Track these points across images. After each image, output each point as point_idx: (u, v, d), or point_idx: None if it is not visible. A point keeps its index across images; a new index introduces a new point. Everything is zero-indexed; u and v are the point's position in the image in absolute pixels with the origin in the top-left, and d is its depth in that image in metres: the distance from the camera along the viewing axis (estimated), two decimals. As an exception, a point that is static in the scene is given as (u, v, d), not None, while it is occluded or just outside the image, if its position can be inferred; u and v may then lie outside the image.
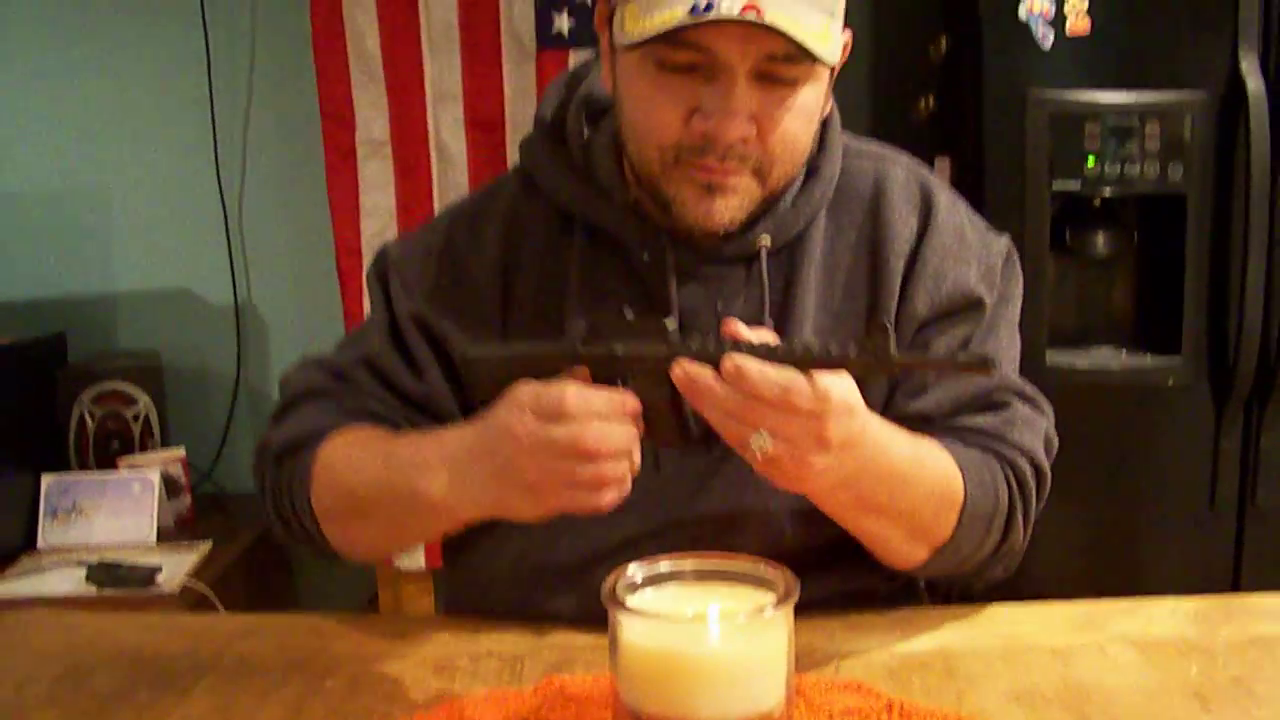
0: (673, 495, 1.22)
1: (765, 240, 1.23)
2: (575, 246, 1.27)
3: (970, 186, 2.24)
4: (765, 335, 0.98)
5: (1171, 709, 0.92)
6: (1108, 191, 2.19)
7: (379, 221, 2.89)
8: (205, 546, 2.67)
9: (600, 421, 0.96)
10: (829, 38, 1.08)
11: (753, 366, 0.93)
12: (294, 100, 3.04)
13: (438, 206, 2.88)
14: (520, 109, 2.83)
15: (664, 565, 0.84)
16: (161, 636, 1.22)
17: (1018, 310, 1.33)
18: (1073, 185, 2.19)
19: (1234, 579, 2.31)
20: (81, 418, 2.90)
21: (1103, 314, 2.36)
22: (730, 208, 1.15)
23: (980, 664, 1.09)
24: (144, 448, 2.92)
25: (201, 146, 3.11)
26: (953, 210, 1.30)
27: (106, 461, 2.87)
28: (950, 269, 1.27)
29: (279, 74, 3.10)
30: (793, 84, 1.11)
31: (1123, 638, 1.14)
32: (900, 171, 1.31)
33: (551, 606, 1.24)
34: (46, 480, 2.74)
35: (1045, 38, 2.16)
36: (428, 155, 2.86)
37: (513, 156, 2.87)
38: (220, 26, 3.07)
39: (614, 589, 0.79)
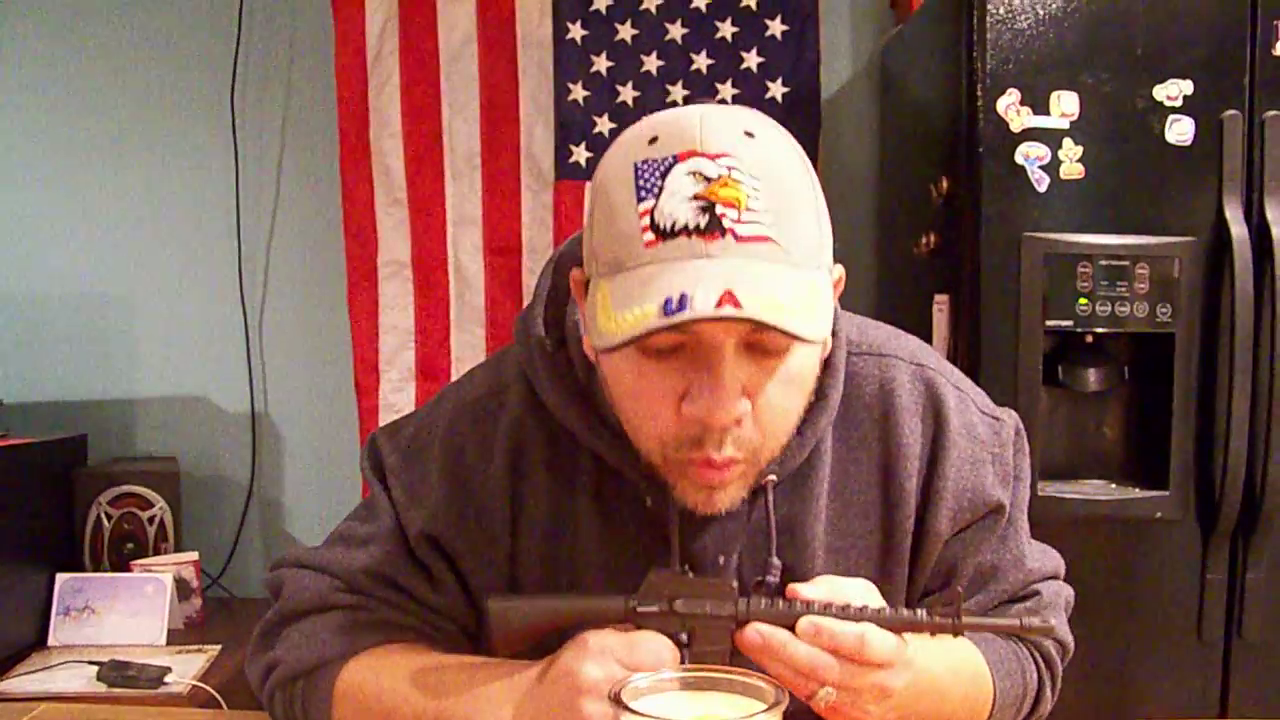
0: None
1: (771, 479, 1.18)
2: (583, 470, 1.22)
3: (967, 322, 2.33)
4: (823, 591, 1.03)
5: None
6: (1099, 329, 2.27)
7: (397, 339, 2.97)
8: (214, 650, 2.70)
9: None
10: (816, 304, 0.99)
11: (830, 624, 0.98)
12: (318, 217, 3.14)
13: (454, 326, 2.96)
14: (537, 235, 2.93)
15: (665, 674, 0.90)
16: (184, 732, 1.28)
17: (1028, 493, 1.31)
18: (1065, 323, 2.26)
19: (1221, 709, 2.33)
20: (98, 519, 2.96)
21: (1093, 448, 2.41)
22: (729, 495, 1.09)
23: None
24: (158, 551, 2.97)
25: (225, 257, 3.21)
26: (961, 410, 1.26)
27: (120, 563, 2.92)
28: (968, 479, 1.24)
29: (305, 190, 3.20)
30: (782, 353, 1.03)
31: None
32: (905, 376, 1.25)
33: None
34: (61, 579, 2.79)
35: (1040, 181, 2.25)
36: (446, 277, 2.96)
37: (528, 282, 2.97)
38: (249, 140, 3.18)
39: (619, 694, 0.85)
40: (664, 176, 0.97)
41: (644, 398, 1.05)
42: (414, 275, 2.97)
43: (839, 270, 1.12)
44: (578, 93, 2.96)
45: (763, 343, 1.01)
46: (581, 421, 1.19)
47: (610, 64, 2.96)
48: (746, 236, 0.96)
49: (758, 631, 0.98)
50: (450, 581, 1.23)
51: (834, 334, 1.20)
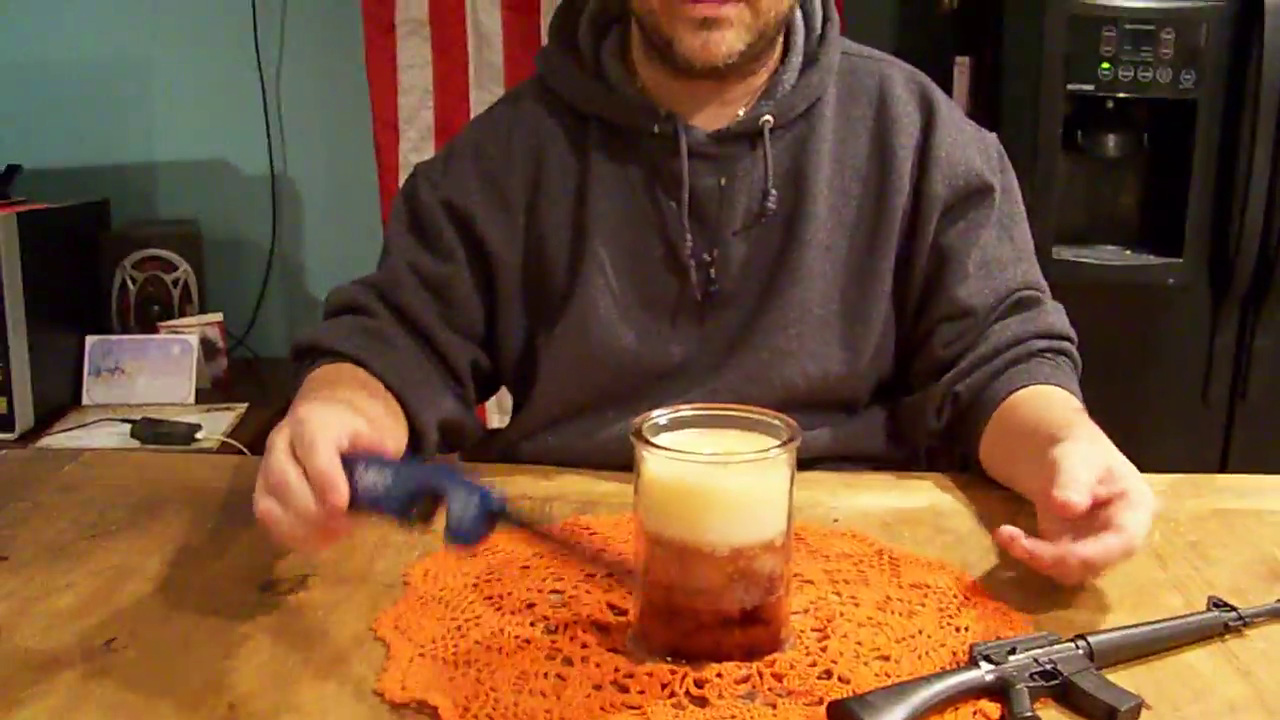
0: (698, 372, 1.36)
1: (768, 119, 1.32)
2: (592, 141, 1.35)
3: (988, 85, 2.32)
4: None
5: (1132, 566, 1.02)
6: (1121, 95, 2.25)
7: (415, 97, 2.95)
8: (241, 408, 2.79)
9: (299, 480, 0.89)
10: None
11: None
12: (334, -27, 3.09)
13: (473, 85, 2.94)
14: (555, -8, 2.88)
15: (685, 411, 0.94)
16: (221, 475, 1.33)
17: (1019, 204, 1.43)
18: (1087, 87, 2.25)
19: (1222, 468, 2.41)
20: (123, 282, 3.01)
21: (1110, 214, 2.43)
22: (727, 40, 1.23)
23: (967, 521, 1.20)
24: (183, 312, 3.03)
25: (241, 17, 3.16)
26: (951, 106, 1.40)
27: (147, 324, 2.98)
28: (960, 155, 1.36)
29: (320, -52, 3.13)
30: None
31: (1095, 506, 1.25)
32: (900, 74, 1.40)
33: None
34: (90, 341, 2.86)
35: (1068, -59, 2.21)
36: (464, 34, 2.92)
37: (546, 38, 2.91)
38: (263, -102, 3.10)
39: (640, 429, 0.89)
40: None
41: None
42: (432, 33, 2.92)
43: None
44: None
45: None
46: (589, 87, 1.36)
47: None
48: None
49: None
50: (460, 254, 1.37)
51: (825, 23, 1.39)
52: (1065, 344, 1.36)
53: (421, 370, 1.34)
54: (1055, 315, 1.38)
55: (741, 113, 1.34)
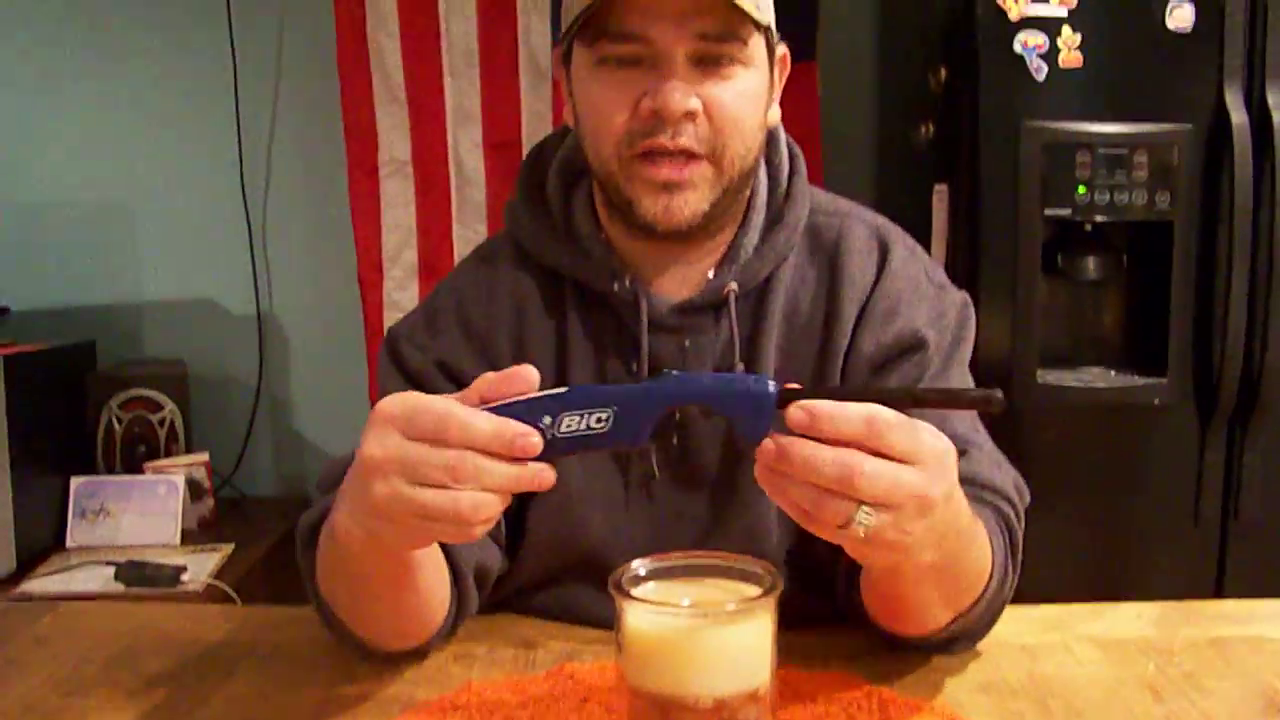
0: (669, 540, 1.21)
1: (733, 286, 1.27)
2: (569, 299, 1.31)
3: (966, 211, 2.33)
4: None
5: (1126, 700, 1.01)
6: (1098, 218, 2.27)
7: (399, 236, 2.99)
8: (227, 549, 2.76)
9: (476, 455, 0.85)
10: (751, 8, 1.14)
11: (822, 405, 0.84)
12: (318, 116, 3.13)
13: (456, 223, 2.97)
14: (536, 130, 2.92)
15: (665, 561, 0.93)
16: (201, 625, 1.31)
17: (968, 356, 1.33)
18: (1064, 211, 2.26)
19: (1217, 590, 2.38)
20: (109, 422, 3.00)
21: (1092, 335, 2.43)
22: (690, 203, 1.19)
23: (955, 660, 1.18)
24: (169, 452, 3.02)
25: (227, 159, 3.21)
26: (909, 261, 1.33)
27: (133, 465, 2.97)
28: (901, 312, 1.28)
29: (304, 90, 3.19)
30: (730, 64, 1.17)
31: (1088, 638, 1.23)
32: (862, 228, 1.34)
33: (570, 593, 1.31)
34: (75, 482, 2.83)
35: (1039, 70, 2.24)
36: (447, 174, 2.96)
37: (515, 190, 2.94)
38: (247, 42, 3.17)
39: (620, 580, 0.88)
40: None
41: (605, 103, 1.18)
42: (414, 172, 2.97)
43: (782, 48, 1.27)
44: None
45: (711, 52, 1.15)
46: (559, 247, 1.31)
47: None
48: None
49: (776, 443, 0.84)
50: None
51: (792, 178, 1.34)
52: (988, 494, 1.17)
53: None
54: (986, 466, 1.20)
55: (711, 274, 1.29)
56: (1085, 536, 2.36)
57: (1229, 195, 2.24)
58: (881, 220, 1.38)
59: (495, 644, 1.23)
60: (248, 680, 1.16)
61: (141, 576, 2.52)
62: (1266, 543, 2.38)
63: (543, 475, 0.87)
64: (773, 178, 1.34)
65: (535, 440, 0.85)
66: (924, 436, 0.86)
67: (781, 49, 1.26)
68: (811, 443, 0.83)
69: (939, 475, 0.87)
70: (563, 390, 0.87)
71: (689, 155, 1.17)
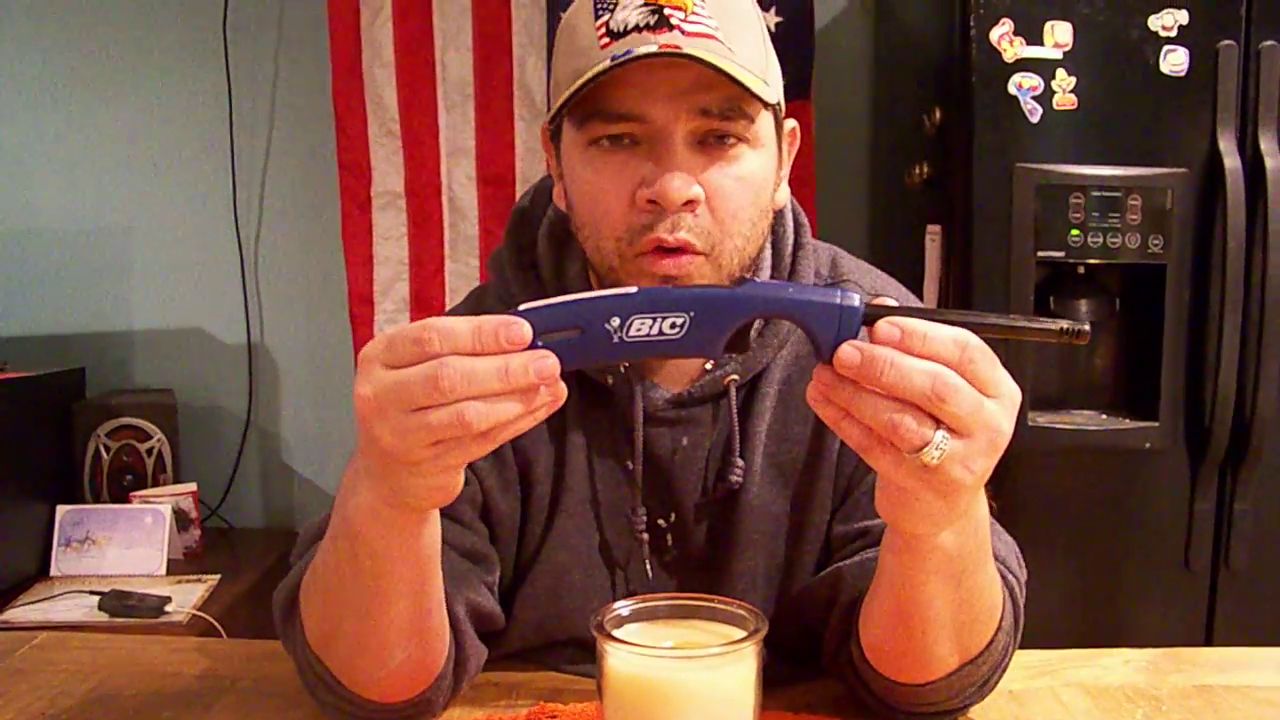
0: None
1: (733, 378, 1.23)
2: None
3: (960, 253, 2.33)
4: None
5: (1115, 749, 1.00)
6: (1091, 261, 2.27)
7: (391, 269, 2.98)
8: (213, 580, 2.74)
9: (459, 358, 0.78)
10: (762, 84, 1.08)
11: (918, 323, 0.80)
12: (312, 148, 3.14)
13: (448, 257, 2.97)
14: (530, 165, 2.92)
15: (648, 603, 0.92)
16: (182, 658, 1.30)
17: None
18: (1058, 254, 2.26)
19: (1207, 638, 2.38)
20: (97, 451, 2.99)
21: (1084, 379, 2.43)
22: None
23: (943, 705, 1.17)
24: (156, 482, 3.01)
25: (220, 189, 3.21)
26: None
27: (120, 494, 2.96)
28: None
29: (298, 122, 3.20)
30: (735, 144, 1.09)
31: (1076, 684, 1.22)
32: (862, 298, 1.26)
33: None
34: (61, 511, 2.82)
35: (1034, 112, 2.25)
36: (440, 208, 2.96)
37: (505, 256, 2.93)
38: (242, 73, 3.18)
39: (603, 622, 0.87)
40: None
41: (601, 193, 1.11)
42: (408, 206, 2.97)
43: (792, 123, 1.21)
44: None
45: (713, 130, 1.08)
46: None
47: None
48: (692, 33, 1.05)
49: (891, 324, 0.80)
50: (469, 509, 1.22)
51: (796, 254, 1.28)
52: (994, 563, 1.09)
53: (448, 561, 1.14)
54: (991, 535, 1.13)
55: (709, 364, 1.25)
56: (1075, 580, 2.35)
57: (1222, 240, 2.24)
58: (880, 283, 1.33)
59: (477, 682, 1.22)
60: (227, 714, 1.15)
61: (125, 607, 2.51)
62: (1257, 590, 2.37)
63: (540, 364, 0.79)
64: (776, 252, 1.29)
65: (520, 328, 0.79)
66: (1004, 373, 0.82)
67: (791, 123, 1.21)
68: (899, 352, 0.79)
69: (1011, 415, 0.83)
70: (632, 290, 0.82)
71: (686, 248, 1.09)
